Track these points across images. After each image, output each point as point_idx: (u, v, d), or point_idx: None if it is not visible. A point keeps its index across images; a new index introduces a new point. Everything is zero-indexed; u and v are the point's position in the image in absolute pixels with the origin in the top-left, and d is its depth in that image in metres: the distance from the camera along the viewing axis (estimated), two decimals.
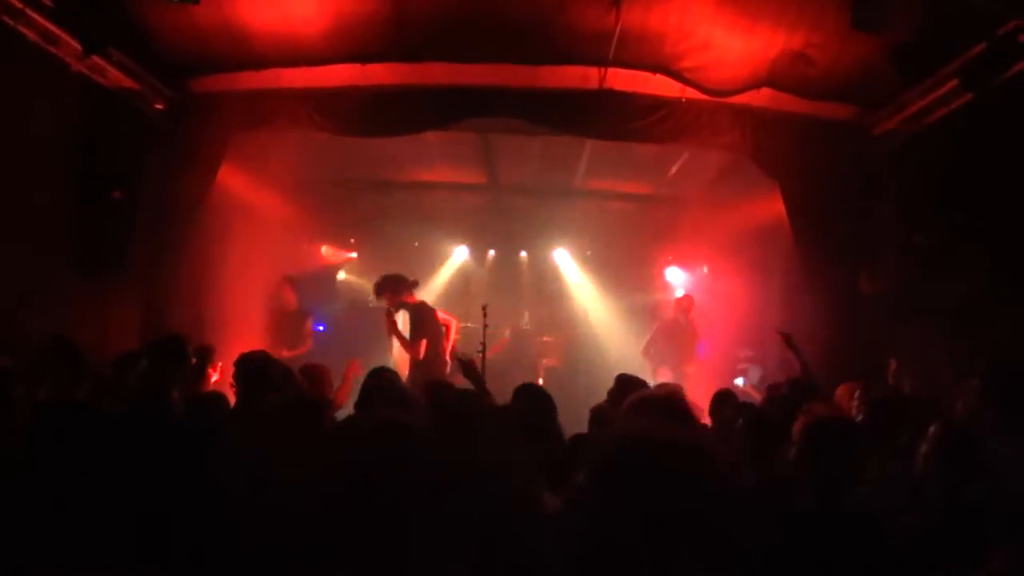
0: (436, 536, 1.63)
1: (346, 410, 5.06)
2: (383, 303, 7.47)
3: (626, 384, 4.72)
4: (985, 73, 5.04)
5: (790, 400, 5.04)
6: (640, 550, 1.34)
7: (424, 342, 7.19)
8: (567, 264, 12.12)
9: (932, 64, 5.60)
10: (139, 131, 6.50)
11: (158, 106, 6.71)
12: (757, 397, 6.94)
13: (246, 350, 4.78)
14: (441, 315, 7.77)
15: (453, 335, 7.87)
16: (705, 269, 11.02)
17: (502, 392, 4.48)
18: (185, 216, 6.78)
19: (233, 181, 7.53)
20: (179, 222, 6.78)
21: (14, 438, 2.71)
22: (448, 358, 7.69)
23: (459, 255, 12.19)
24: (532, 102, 6.63)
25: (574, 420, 4.51)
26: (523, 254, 12.32)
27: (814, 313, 7.00)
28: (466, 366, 4.72)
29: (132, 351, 5.23)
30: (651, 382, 8.70)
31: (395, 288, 7.36)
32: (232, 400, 4.45)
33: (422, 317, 7.35)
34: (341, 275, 11.81)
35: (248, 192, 8.18)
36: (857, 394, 4.76)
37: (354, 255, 11.83)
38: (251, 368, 4.54)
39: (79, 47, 5.43)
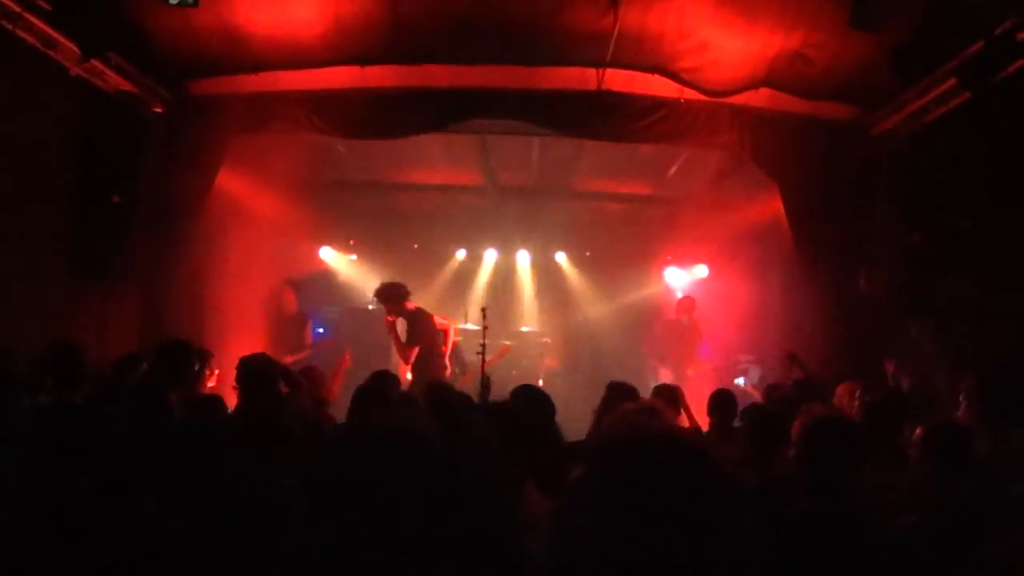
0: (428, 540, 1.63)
1: (340, 408, 5.06)
2: (382, 309, 7.51)
3: (616, 392, 4.71)
4: (983, 72, 5.04)
5: (792, 400, 5.04)
6: (633, 550, 1.34)
7: (416, 349, 7.23)
8: (566, 265, 12.12)
9: (930, 63, 5.60)
10: (138, 134, 6.50)
11: (157, 109, 6.71)
12: (757, 397, 6.94)
13: (245, 353, 4.79)
14: (438, 320, 7.79)
15: (451, 339, 7.91)
16: (705, 269, 11.02)
17: (502, 393, 4.48)
18: (184, 219, 6.78)
19: (232, 184, 7.53)
20: (178, 225, 6.78)
21: (15, 440, 2.71)
22: (447, 361, 7.72)
23: (458, 257, 12.18)
24: (530, 104, 6.64)
25: (574, 421, 4.52)
26: (523, 255, 12.31)
27: (813, 313, 7.01)
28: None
29: (131, 354, 5.24)
30: (651, 382, 8.75)
31: (393, 296, 7.39)
32: (230, 402, 4.45)
33: (418, 324, 7.40)
34: (341, 277, 11.79)
35: (247, 195, 8.18)
36: (857, 394, 4.77)
37: (353, 258, 11.85)
38: (253, 371, 4.55)
39: (78, 51, 5.44)
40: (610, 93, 6.52)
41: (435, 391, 4.73)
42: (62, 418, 2.61)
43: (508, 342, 10.02)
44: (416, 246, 11.92)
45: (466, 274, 12.16)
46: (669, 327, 10.05)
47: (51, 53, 5.36)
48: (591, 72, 6.45)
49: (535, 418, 4.12)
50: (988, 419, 3.11)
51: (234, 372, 4.64)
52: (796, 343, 7.12)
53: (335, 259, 11.61)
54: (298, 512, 2.28)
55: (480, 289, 11.79)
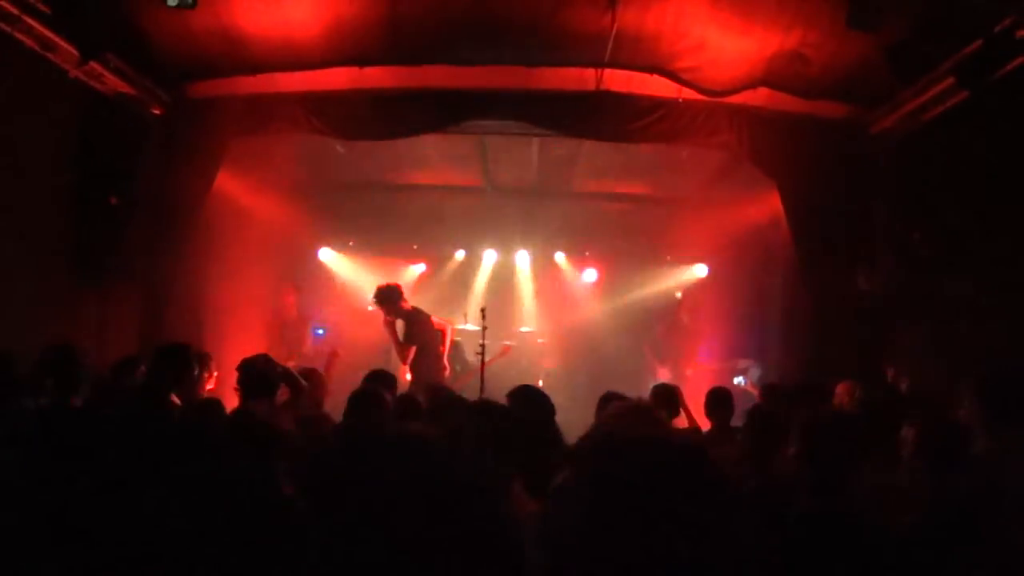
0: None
1: (333, 403, 5.08)
2: (380, 311, 7.52)
3: (610, 402, 4.71)
4: (981, 70, 5.04)
5: (794, 399, 5.04)
6: (620, 554, 1.33)
7: (413, 348, 7.25)
8: (566, 265, 12.11)
9: (928, 62, 5.61)
10: (136, 136, 6.50)
11: (155, 111, 6.71)
12: (756, 396, 6.94)
13: (244, 354, 4.79)
14: (436, 320, 7.81)
15: (449, 339, 7.92)
16: (704, 269, 11.03)
17: (502, 395, 4.48)
18: (183, 220, 6.79)
19: (231, 185, 7.53)
20: (177, 227, 6.78)
21: (16, 443, 2.71)
22: (446, 362, 7.74)
23: (457, 258, 12.17)
24: (529, 104, 6.64)
25: (574, 421, 4.51)
26: (522, 256, 12.30)
27: (812, 312, 7.01)
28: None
29: (131, 356, 5.24)
30: (651, 382, 8.75)
31: (390, 297, 7.41)
32: (230, 404, 4.45)
33: (415, 324, 7.42)
34: (340, 279, 11.79)
35: (246, 196, 8.18)
36: (856, 394, 4.77)
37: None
38: (254, 373, 4.56)
39: (76, 53, 5.44)
40: (608, 93, 6.52)
41: (435, 394, 4.75)
42: (62, 419, 2.61)
43: (509, 342, 10.02)
44: (415, 247, 11.92)
45: (465, 275, 12.15)
46: (668, 327, 10.05)
47: (50, 55, 5.37)
48: (589, 72, 6.45)
49: (534, 418, 4.13)
50: (988, 419, 3.11)
51: (234, 373, 4.64)
52: (795, 343, 7.14)
53: (334, 260, 11.61)
54: (297, 513, 2.29)
55: (479, 290, 11.77)
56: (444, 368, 7.69)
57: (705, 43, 6.04)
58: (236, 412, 4.25)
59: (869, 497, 2.78)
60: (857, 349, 6.41)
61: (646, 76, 6.50)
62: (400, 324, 7.47)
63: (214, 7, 5.62)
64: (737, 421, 4.86)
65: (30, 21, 5.02)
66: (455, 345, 8.57)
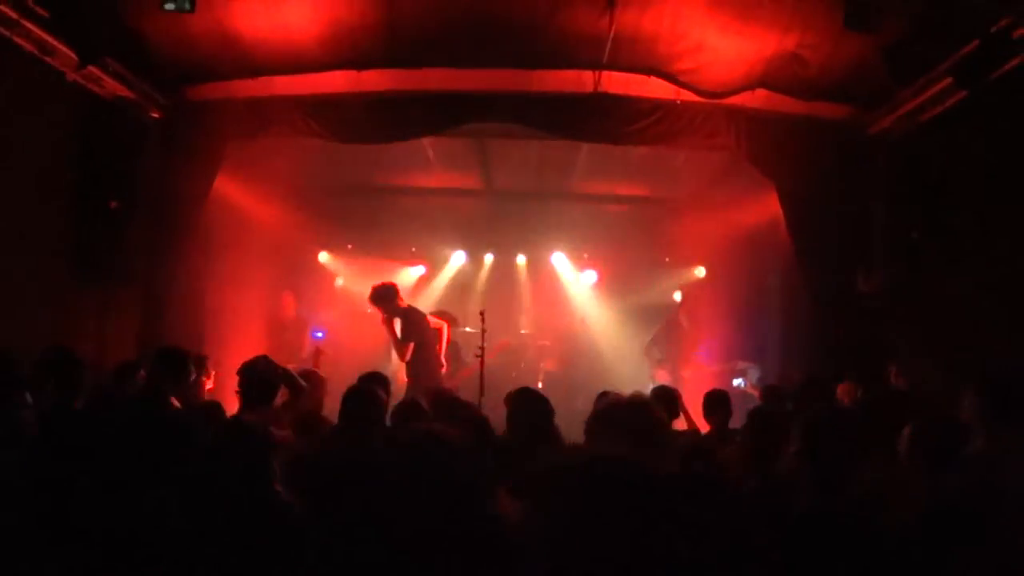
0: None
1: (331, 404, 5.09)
2: (378, 312, 7.52)
3: (607, 396, 4.71)
4: (979, 70, 5.04)
5: (799, 398, 5.03)
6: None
7: (411, 345, 7.27)
8: (565, 267, 12.12)
9: (926, 62, 5.61)
10: (135, 140, 6.50)
11: (154, 114, 6.72)
12: (756, 397, 6.94)
13: (244, 357, 4.79)
14: (432, 320, 7.82)
15: (445, 339, 7.94)
16: (703, 270, 11.04)
17: (501, 396, 4.48)
18: (183, 223, 6.79)
19: (230, 189, 7.54)
20: (177, 229, 6.78)
21: (16, 443, 2.71)
22: (444, 360, 7.75)
23: (456, 260, 12.18)
24: (527, 106, 6.64)
25: (574, 424, 4.51)
26: (521, 258, 12.30)
27: (811, 313, 7.01)
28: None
29: (131, 360, 5.24)
30: (649, 383, 8.76)
31: (388, 296, 7.42)
32: (230, 407, 4.45)
33: (413, 321, 7.43)
34: (339, 281, 11.81)
35: (245, 199, 8.19)
36: (857, 394, 4.78)
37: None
38: (255, 377, 4.56)
39: (75, 57, 5.45)
40: (607, 95, 6.52)
41: (437, 397, 4.77)
42: (63, 420, 2.61)
43: (505, 338, 10.09)
44: (414, 249, 11.93)
45: (465, 277, 12.15)
46: (667, 328, 10.05)
47: (48, 59, 5.37)
48: (588, 74, 6.45)
49: (534, 421, 4.14)
50: (988, 418, 3.11)
51: (233, 375, 4.64)
52: (794, 344, 7.13)
53: (333, 263, 11.62)
54: (295, 513, 2.29)
55: (479, 292, 11.78)
56: (442, 366, 7.71)
57: (703, 45, 6.05)
58: (234, 416, 4.25)
59: (868, 496, 2.78)
60: (856, 349, 6.41)
61: (644, 78, 6.50)
62: (398, 323, 7.48)
63: (212, 11, 5.62)
64: (737, 423, 4.86)
65: (29, 25, 5.02)
66: (452, 344, 8.58)
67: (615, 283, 11.83)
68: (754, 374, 8.55)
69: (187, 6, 5.23)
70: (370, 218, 10.82)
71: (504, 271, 12.27)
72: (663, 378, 9.09)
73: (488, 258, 12.23)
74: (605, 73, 6.42)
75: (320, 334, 10.11)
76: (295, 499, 2.46)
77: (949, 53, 5.34)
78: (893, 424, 3.82)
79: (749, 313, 9.11)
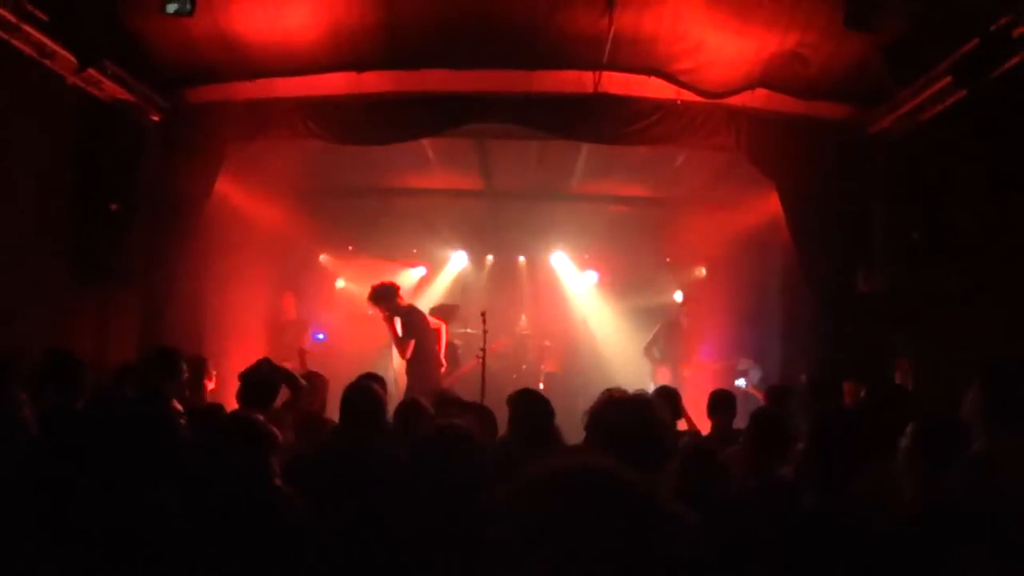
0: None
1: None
2: (378, 312, 7.53)
3: (612, 395, 4.71)
4: (978, 69, 5.04)
5: (812, 396, 5.02)
6: None
7: (412, 343, 7.28)
8: (566, 268, 12.12)
9: (925, 61, 5.61)
10: (135, 142, 6.51)
11: (154, 117, 6.72)
12: (760, 398, 6.94)
13: (244, 357, 4.79)
14: (431, 320, 7.83)
15: (445, 339, 7.96)
16: (703, 270, 11.04)
17: (502, 397, 4.48)
18: (183, 225, 6.79)
19: (231, 190, 7.54)
20: (177, 232, 6.78)
21: (17, 443, 2.71)
22: (443, 359, 7.77)
23: (457, 261, 12.18)
24: (527, 107, 6.64)
25: (575, 424, 4.50)
26: (522, 259, 12.31)
27: (812, 312, 7.01)
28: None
29: (131, 362, 5.24)
30: (650, 383, 8.75)
31: (388, 295, 7.43)
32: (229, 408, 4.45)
33: (413, 320, 7.45)
34: (340, 283, 11.82)
35: (246, 201, 8.19)
36: (860, 394, 4.76)
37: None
38: (255, 383, 4.57)
39: (74, 60, 5.45)
40: (607, 96, 6.52)
41: (440, 399, 4.78)
42: (64, 421, 2.61)
43: (502, 338, 10.12)
44: (415, 251, 11.94)
45: (466, 278, 12.16)
46: (668, 328, 10.05)
47: (48, 62, 5.36)
48: (588, 75, 6.45)
49: (535, 422, 4.13)
50: (989, 418, 3.10)
51: (234, 376, 4.64)
52: (795, 344, 7.12)
53: (334, 264, 11.62)
54: (296, 513, 2.28)
55: (479, 293, 11.79)
56: (441, 365, 7.72)
57: (703, 45, 6.05)
58: (233, 413, 4.25)
59: (869, 496, 2.78)
60: (857, 349, 6.41)
61: (644, 78, 6.50)
62: (399, 322, 7.50)
63: (212, 13, 5.62)
64: (740, 423, 4.86)
65: (28, 28, 5.02)
66: (450, 346, 8.60)
67: (616, 283, 11.84)
68: (756, 374, 8.55)
69: (187, 8, 5.23)
70: (370, 219, 10.83)
71: (505, 272, 12.28)
72: (664, 378, 9.09)
73: (489, 259, 12.23)
74: (605, 73, 6.42)
75: (321, 335, 10.11)
76: (296, 497, 2.46)
77: (949, 52, 5.33)
78: (896, 424, 3.82)
79: (749, 313, 9.11)
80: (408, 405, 4.29)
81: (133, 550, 2.10)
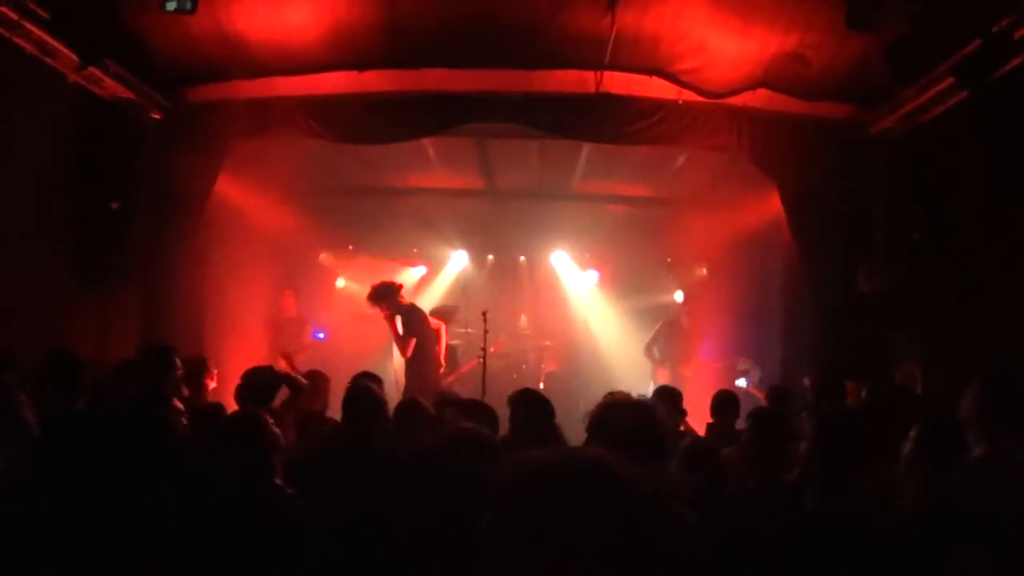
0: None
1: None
2: (378, 311, 7.53)
3: (614, 398, 4.70)
4: (980, 70, 5.04)
5: (819, 395, 5.02)
6: None
7: (412, 341, 7.28)
8: (566, 267, 12.11)
9: (927, 62, 5.60)
10: (136, 141, 6.50)
11: (155, 115, 6.71)
12: (761, 397, 6.94)
13: (245, 358, 4.79)
14: (431, 320, 7.84)
15: (444, 339, 7.96)
16: (704, 270, 11.03)
17: (503, 397, 4.48)
18: (184, 224, 6.79)
19: (231, 190, 7.54)
20: (177, 231, 6.78)
21: (17, 444, 2.71)
22: (442, 360, 7.77)
23: (458, 260, 12.17)
24: (529, 107, 6.63)
25: (575, 424, 4.50)
26: (522, 258, 12.30)
27: (813, 312, 7.01)
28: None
29: (131, 361, 5.23)
30: (651, 383, 8.75)
31: (388, 294, 7.43)
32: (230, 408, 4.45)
33: (413, 319, 7.45)
34: (340, 282, 11.82)
35: (246, 200, 8.19)
36: (862, 395, 4.76)
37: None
38: (252, 379, 4.57)
39: (76, 58, 5.44)
40: (608, 95, 6.51)
41: (441, 399, 4.78)
42: (64, 421, 2.61)
43: (501, 338, 10.13)
44: (416, 250, 11.93)
45: (466, 278, 12.15)
46: (669, 328, 10.04)
47: (49, 60, 5.37)
48: (589, 75, 6.45)
49: (535, 423, 4.14)
50: (989, 418, 3.10)
51: (234, 375, 4.64)
52: (795, 344, 7.11)
53: (334, 264, 11.62)
54: (296, 512, 2.28)
55: (480, 293, 11.79)
56: (440, 365, 7.72)
57: (704, 45, 6.05)
58: (235, 412, 4.26)
59: (872, 497, 2.78)
60: (857, 349, 6.40)
61: (646, 78, 6.50)
62: (399, 320, 7.51)
63: (213, 12, 5.62)
64: (740, 423, 4.85)
65: (29, 26, 5.02)
66: (449, 348, 8.60)
67: (617, 283, 11.83)
68: (756, 374, 8.54)
69: (188, 7, 5.23)
70: (371, 218, 10.82)
71: (505, 271, 12.27)
72: (664, 378, 9.09)
73: (489, 258, 12.23)
74: (607, 73, 6.41)
75: (321, 335, 10.11)
76: (296, 497, 2.46)
77: (950, 53, 5.33)
78: (898, 424, 3.81)
79: (750, 312, 9.10)
80: (408, 405, 4.29)
81: (133, 550, 2.10)
